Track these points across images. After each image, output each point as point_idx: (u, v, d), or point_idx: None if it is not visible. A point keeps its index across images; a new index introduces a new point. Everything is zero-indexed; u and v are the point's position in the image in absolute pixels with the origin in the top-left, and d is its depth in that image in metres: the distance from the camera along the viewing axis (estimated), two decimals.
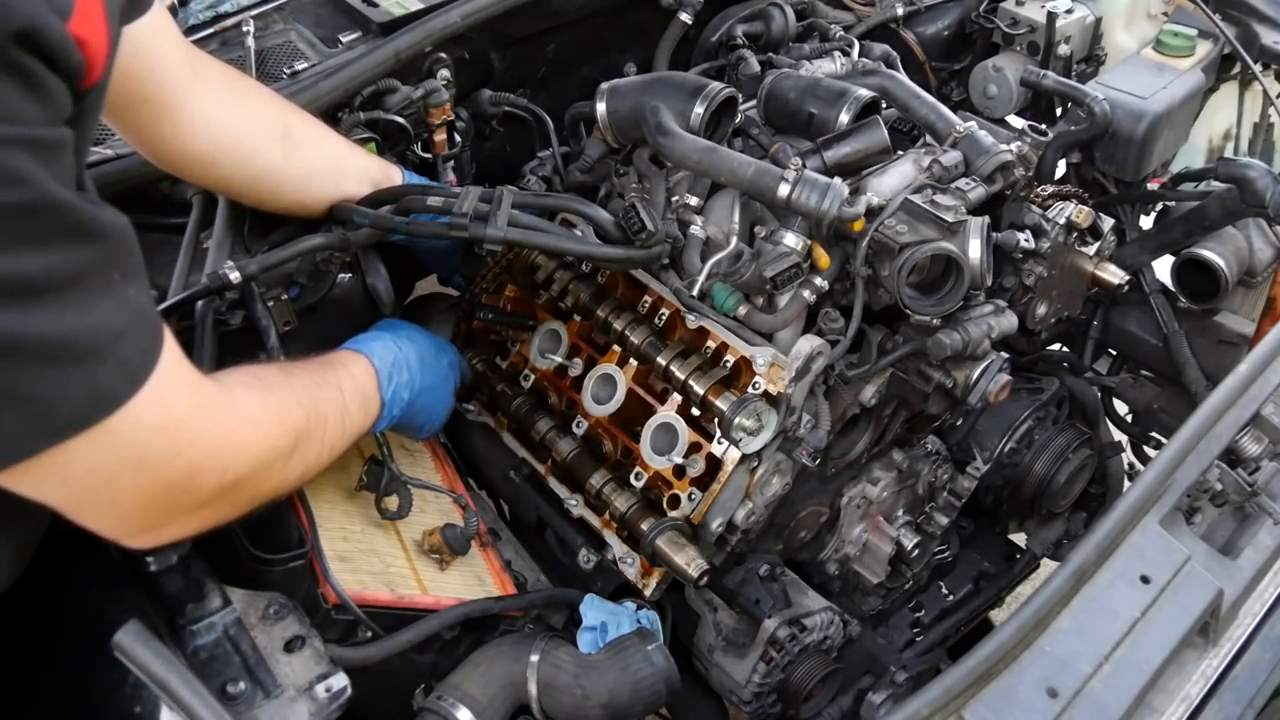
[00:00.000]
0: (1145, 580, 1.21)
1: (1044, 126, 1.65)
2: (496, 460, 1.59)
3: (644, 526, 1.36)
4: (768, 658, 1.51)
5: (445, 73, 1.64)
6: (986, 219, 1.35)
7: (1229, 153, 2.20)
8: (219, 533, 1.05)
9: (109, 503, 0.91)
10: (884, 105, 1.56)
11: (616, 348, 1.49)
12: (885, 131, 1.41)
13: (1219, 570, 1.24)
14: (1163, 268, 1.97)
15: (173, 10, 1.66)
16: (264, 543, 1.20)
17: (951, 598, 1.94)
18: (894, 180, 1.43)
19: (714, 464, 1.38)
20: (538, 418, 1.53)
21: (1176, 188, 1.97)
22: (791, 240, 1.33)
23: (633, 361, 1.47)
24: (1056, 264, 1.52)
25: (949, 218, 1.32)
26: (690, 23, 1.86)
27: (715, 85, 1.42)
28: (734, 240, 1.42)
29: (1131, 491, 1.26)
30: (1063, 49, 2.03)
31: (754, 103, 1.57)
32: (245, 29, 1.62)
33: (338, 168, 1.44)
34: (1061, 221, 1.51)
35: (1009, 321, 1.41)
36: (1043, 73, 1.86)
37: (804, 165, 1.32)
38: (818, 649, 1.55)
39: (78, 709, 1.10)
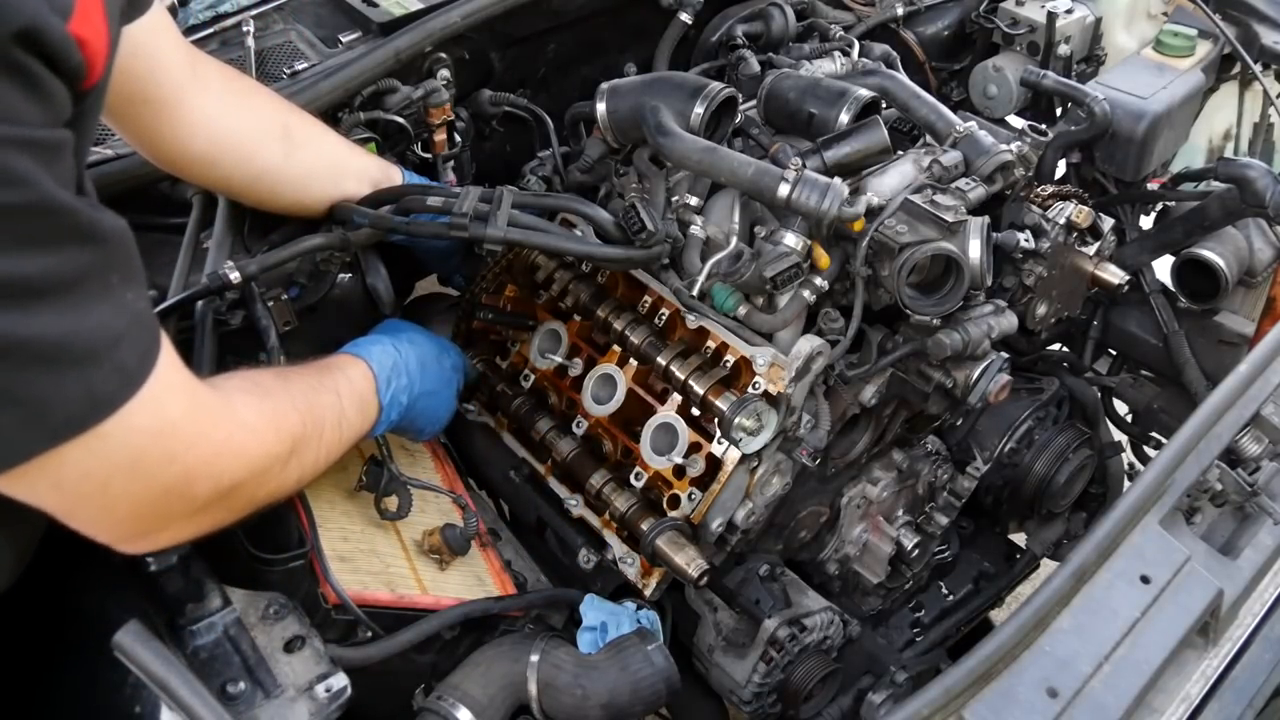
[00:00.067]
0: (1145, 580, 1.21)
1: (1044, 126, 1.65)
2: (496, 460, 1.59)
3: (644, 526, 1.36)
4: (768, 658, 1.51)
5: (445, 73, 1.65)
6: (986, 219, 1.35)
7: (1229, 153, 2.20)
8: (219, 533, 1.05)
9: (103, 508, 0.91)
10: (884, 105, 1.56)
11: (616, 348, 1.49)
12: (885, 131, 1.41)
13: (1219, 570, 1.24)
14: (1163, 268, 1.97)
15: (173, 10, 1.66)
16: (264, 543, 1.20)
17: (951, 598, 1.94)
18: (894, 180, 1.43)
19: (714, 464, 1.38)
20: (538, 418, 1.53)
21: (1176, 188, 1.97)
22: (791, 240, 1.33)
23: (633, 361, 1.47)
24: (1056, 264, 1.52)
25: (949, 218, 1.32)
26: (690, 23, 1.86)
27: (715, 85, 1.42)
28: (734, 240, 1.42)
29: (1131, 491, 1.26)
30: (1063, 49, 2.03)
31: (754, 103, 1.57)
32: (245, 29, 1.62)
33: (338, 168, 1.44)
34: (1061, 221, 1.51)
35: (1009, 321, 1.41)
36: (1043, 73, 1.86)
37: (804, 165, 1.32)
38: (818, 649, 1.55)
39: (78, 709, 1.10)
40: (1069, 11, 2.02)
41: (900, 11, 2.06)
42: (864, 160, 1.42)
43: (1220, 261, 1.83)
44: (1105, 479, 2.03)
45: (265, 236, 1.44)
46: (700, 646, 1.60)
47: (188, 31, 1.62)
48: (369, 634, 1.24)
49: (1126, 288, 1.62)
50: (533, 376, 1.57)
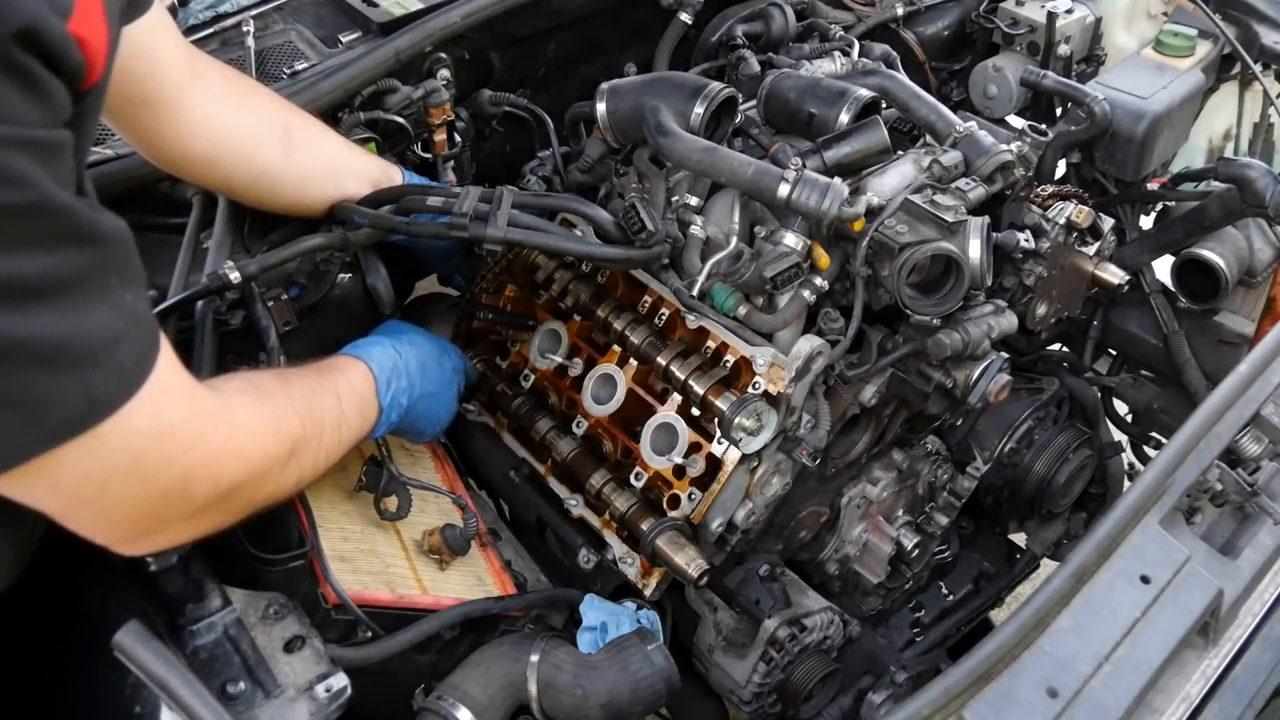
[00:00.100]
0: (1145, 580, 1.21)
1: (1044, 126, 1.65)
2: (496, 460, 1.58)
3: (644, 526, 1.36)
4: (768, 658, 1.51)
5: (445, 73, 1.64)
6: (986, 219, 1.35)
7: (1229, 153, 2.20)
8: (218, 533, 1.05)
9: (101, 509, 0.91)
10: (884, 105, 1.56)
11: (616, 348, 1.49)
12: (885, 131, 1.41)
13: (1219, 570, 1.24)
14: (1163, 268, 1.97)
15: (173, 10, 1.66)
16: (264, 543, 1.20)
17: (951, 598, 1.94)
18: (894, 180, 1.43)
19: (714, 464, 1.38)
20: (538, 418, 1.53)
21: (1176, 188, 1.97)
22: (791, 240, 1.33)
23: (633, 361, 1.47)
24: (1056, 264, 1.52)
25: (949, 218, 1.32)
26: (690, 23, 1.86)
27: (715, 85, 1.42)
28: (734, 240, 1.42)
29: (1131, 491, 1.26)
30: (1063, 49, 2.03)
31: (754, 103, 1.57)
32: (245, 29, 1.62)
33: (338, 168, 1.44)
34: (1061, 221, 1.51)
35: (1009, 321, 1.41)
36: (1043, 73, 1.86)
37: (804, 165, 1.32)
38: (818, 649, 1.55)
39: (78, 709, 1.10)
40: (1069, 11, 2.02)
41: (900, 11, 2.06)
42: (864, 160, 1.42)
43: (1220, 261, 1.83)
44: (1105, 479, 2.03)
45: (265, 236, 1.44)
46: (700, 646, 1.60)
47: (188, 31, 1.62)
48: (369, 634, 1.24)
49: (1126, 288, 1.62)
50: (533, 376, 1.57)
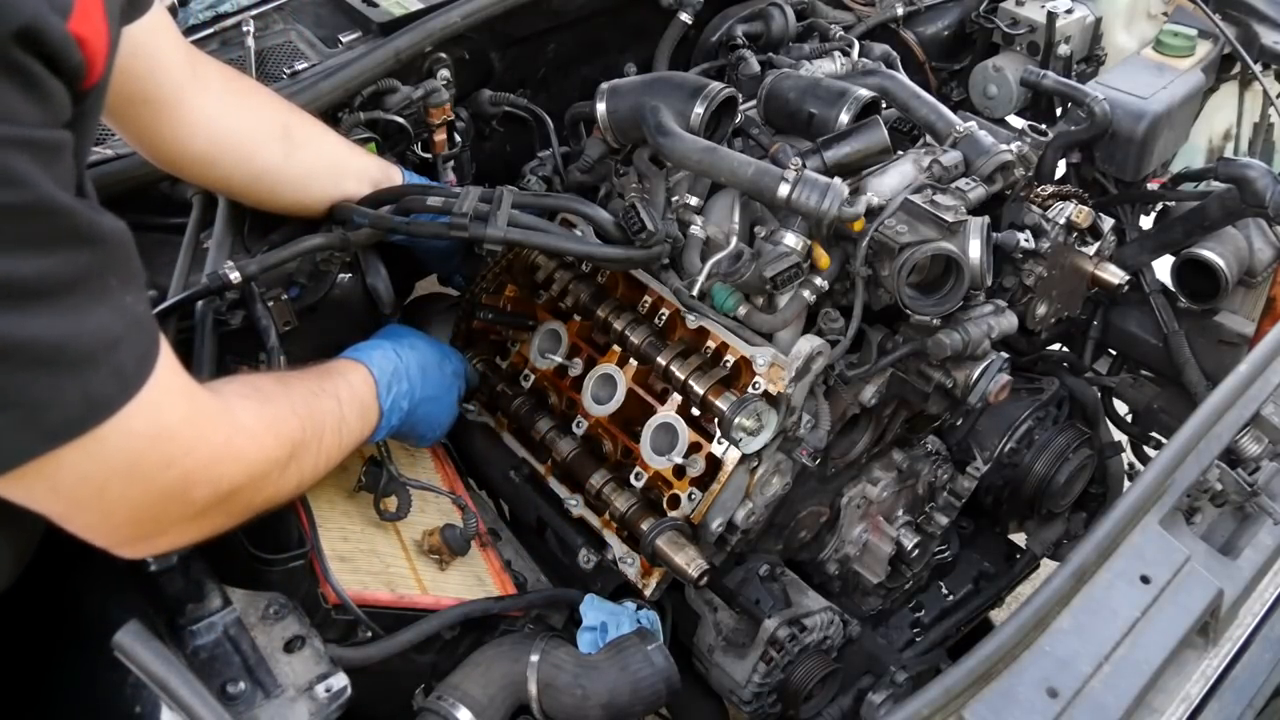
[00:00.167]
0: (1145, 580, 1.21)
1: (1044, 126, 1.66)
2: (496, 460, 1.58)
3: (644, 526, 1.36)
4: (768, 658, 1.51)
5: (445, 73, 1.64)
6: (986, 219, 1.35)
7: (1229, 153, 2.20)
8: (219, 534, 1.05)
9: (100, 512, 0.90)
10: (884, 105, 1.56)
11: (616, 348, 1.49)
12: (885, 131, 1.41)
13: (1219, 570, 1.24)
14: (1163, 268, 1.97)
15: (173, 10, 1.66)
16: (264, 543, 1.20)
17: (951, 598, 1.94)
18: (894, 180, 1.43)
19: (714, 464, 1.38)
20: (538, 418, 1.53)
21: (1176, 188, 1.97)
22: (791, 240, 1.33)
23: (633, 361, 1.47)
24: (1056, 264, 1.52)
25: (949, 218, 1.32)
26: (690, 23, 1.86)
27: (715, 85, 1.42)
28: (734, 240, 1.42)
29: (1131, 491, 1.26)
30: (1063, 49, 2.03)
31: (754, 103, 1.57)
32: (245, 29, 1.62)
33: (338, 168, 1.44)
34: (1061, 221, 1.51)
35: (1009, 321, 1.41)
36: (1043, 73, 1.86)
37: (804, 165, 1.32)
38: (818, 649, 1.55)
39: (78, 709, 1.10)
40: (1069, 11, 2.02)
41: (900, 11, 2.06)
42: (864, 160, 1.42)
43: (1220, 261, 1.83)
44: (1105, 479, 2.03)
45: (265, 236, 1.44)
46: (700, 646, 1.60)
47: (188, 31, 1.62)
48: (369, 634, 1.24)
49: (1126, 288, 1.62)
50: (533, 376, 1.57)
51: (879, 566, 1.68)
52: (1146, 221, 2.04)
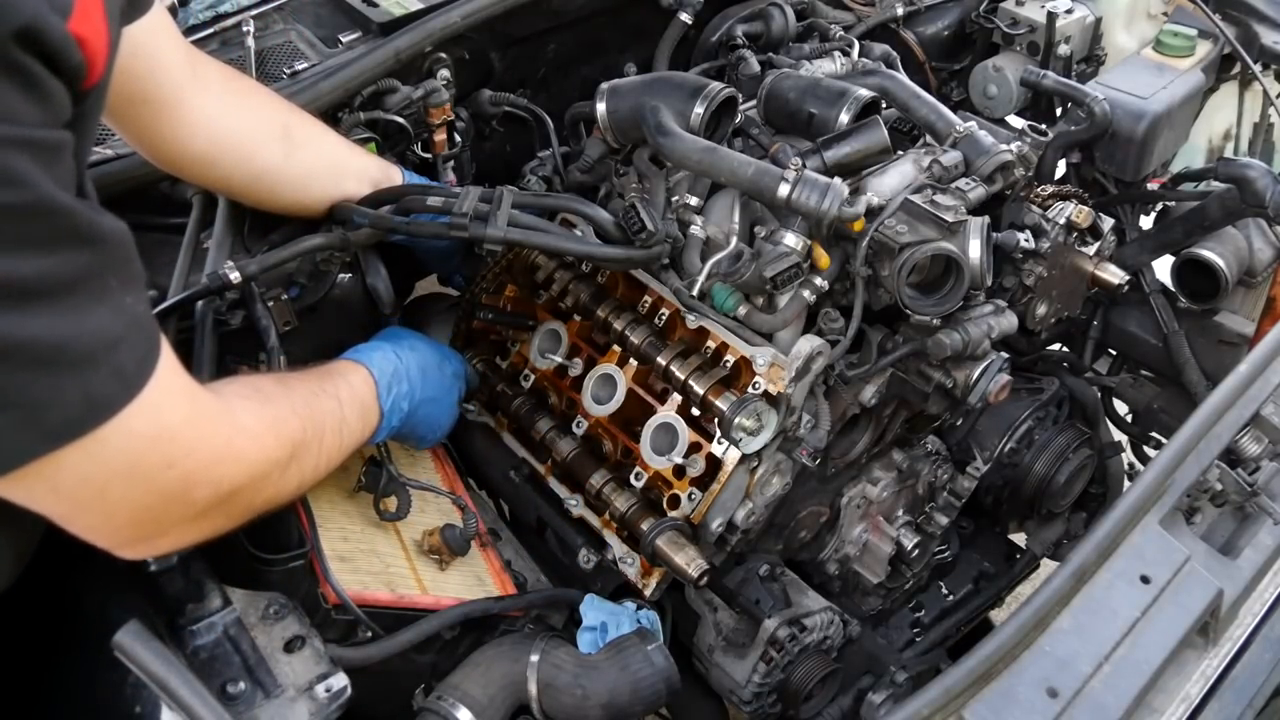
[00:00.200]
0: (1145, 580, 1.21)
1: (1044, 126, 1.66)
2: (496, 460, 1.58)
3: (644, 526, 1.36)
4: (768, 658, 1.51)
5: (445, 73, 1.65)
6: (986, 219, 1.35)
7: (1229, 153, 2.20)
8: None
9: (101, 513, 0.90)
10: (884, 105, 1.56)
11: (616, 348, 1.49)
12: (885, 131, 1.41)
13: (1219, 570, 1.24)
14: (1163, 268, 1.97)
15: (173, 10, 1.66)
16: (264, 543, 1.20)
17: (951, 598, 1.94)
18: (894, 180, 1.43)
19: (714, 464, 1.38)
20: (538, 418, 1.53)
21: (1176, 188, 1.97)
22: (791, 240, 1.33)
23: (633, 361, 1.47)
24: (1056, 264, 1.52)
25: (949, 218, 1.32)
26: (690, 23, 1.86)
27: (715, 85, 1.42)
28: (734, 240, 1.42)
29: (1131, 491, 1.26)
30: (1063, 49, 2.03)
31: (754, 103, 1.57)
32: (245, 29, 1.62)
33: (338, 168, 1.44)
34: (1061, 221, 1.51)
35: (1009, 321, 1.41)
36: (1043, 73, 1.86)
37: (804, 165, 1.32)
38: (818, 649, 1.55)
39: (78, 709, 1.10)
40: (1069, 11, 2.02)
41: (900, 11, 2.06)
42: (864, 160, 1.42)
43: (1220, 261, 1.83)
44: (1105, 479, 2.03)
45: (265, 236, 1.44)
46: (700, 646, 1.60)
47: (188, 31, 1.62)
48: (369, 634, 1.24)
49: (1126, 288, 1.62)
50: (533, 376, 1.57)
51: (879, 566, 1.69)
52: (1146, 221, 2.04)
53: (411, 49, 1.59)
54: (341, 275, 1.51)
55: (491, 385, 1.60)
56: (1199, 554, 1.25)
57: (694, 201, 1.46)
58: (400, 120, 1.57)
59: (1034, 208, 1.53)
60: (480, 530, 1.48)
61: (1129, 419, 2.15)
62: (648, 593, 1.41)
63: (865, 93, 1.48)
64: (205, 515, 0.98)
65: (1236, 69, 2.09)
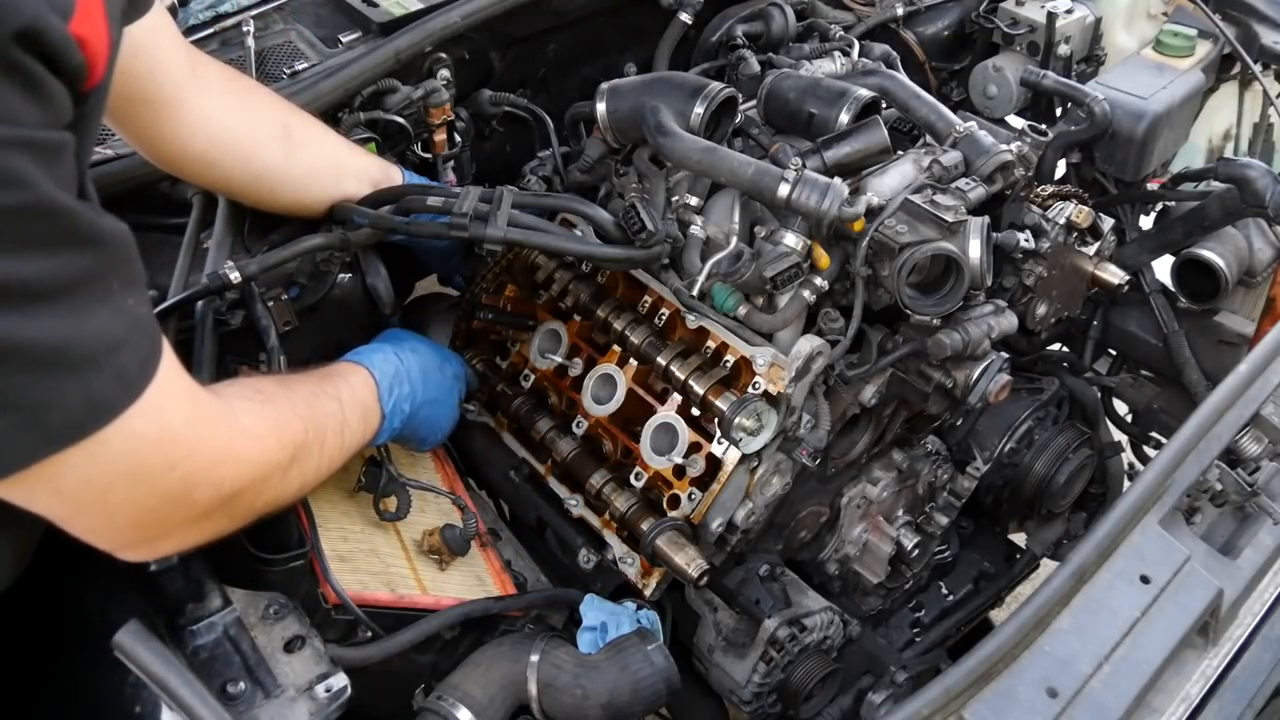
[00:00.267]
0: (1145, 580, 1.21)
1: (1044, 126, 1.65)
2: (496, 460, 1.58)
3: (644, 526, 1.36)
4: (768, 658, 1.51)
5: (445, 73, 1.65)
6: (986, 219, 1.35)
7: (1229, 153, 2.20)
8: None
9: (103, 515, 0.90)
10: (884, 105, 1.56)
11: (616, 348, 1.49)
12: (885, 131, 1.41)
13: (1219, 570, 1.24)
14: (1163, 268, 1.97)
15: (173, 10, 1.66)
16: (264, 543, 1.20)
17: (951, 598, 1.94)
18: (894, 180, 1.43)
19: (714, 464, 1.38)
20: (538, 418, 1.53)
21: (1176, 188, 1.97)
22: (791, 240, 1.33)
23: (633, 361, 1.47)
24: (1056, 264, 1.52)
25: (949, 218, 1.32)
26: (690, 23, 1.86)
27: (715, 85, 1.42)
28: (734, 240, 1.42)
29: (1131, 491, 1.26)
30: (1063, 49, 2.03)
31: (754, 103, 1.57)
32: (245, 29, 1.62)
33: (338, 168, 1.44)
34: (1061, 221, 1.51)
35: (1009, 321, 1.41)
36: (1043, 73, 1.86)
37: (804, 165, 1.32)
38: (818, 649, 1.55)
39: (78, 709, 1.10)
40: (1069, 11, 2.02)
41: (900, 11, 2.06)
42: (864, 160, 1.42)
43: (1220, 261, 1.83)
44: (1105, 479, 2.03)
45: (265, 236, 1.44)
46: (700, 646, 1.60)
47: (188, 31, 1.62)
48: (369, 634, 1.24)
49: (1126, 288, 1.62)
50: (533, 376, 1.57)
51: (879, 566, 1.69)
52: (1146, 221, 2.04)
53: (411, 49, 1.59)
54: (341, 275, 1.51)
55: (491, 385, 1.60)
56: (1199, 554, 1.25)
57: (694, 201, 1.46)
58: (400, 120, 1.58)
59: (1034, 208, 1.53)
60: (480, 530, 1.48)
61: (1129, 419, 2.15)
62: (648, 593, 1.41)
63: (865, 93, 1.48)
64: (207, 517, 0.98)
65: (1236, 69, 2.09)
